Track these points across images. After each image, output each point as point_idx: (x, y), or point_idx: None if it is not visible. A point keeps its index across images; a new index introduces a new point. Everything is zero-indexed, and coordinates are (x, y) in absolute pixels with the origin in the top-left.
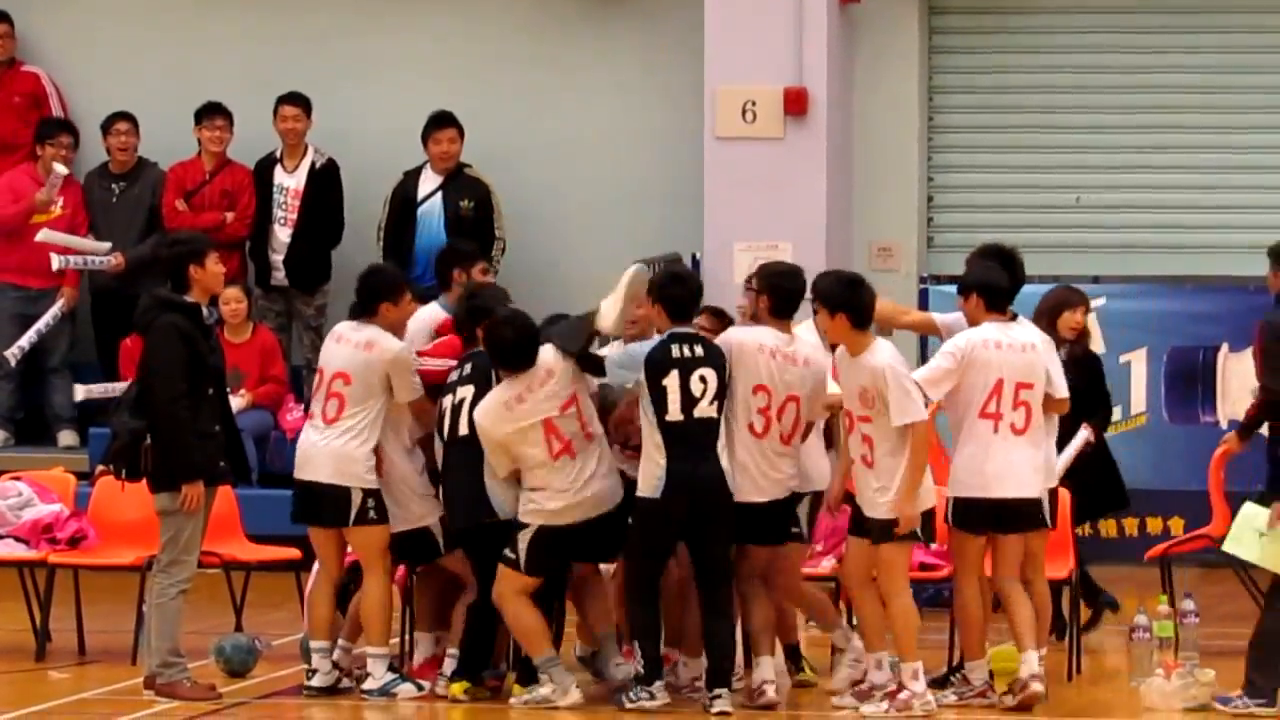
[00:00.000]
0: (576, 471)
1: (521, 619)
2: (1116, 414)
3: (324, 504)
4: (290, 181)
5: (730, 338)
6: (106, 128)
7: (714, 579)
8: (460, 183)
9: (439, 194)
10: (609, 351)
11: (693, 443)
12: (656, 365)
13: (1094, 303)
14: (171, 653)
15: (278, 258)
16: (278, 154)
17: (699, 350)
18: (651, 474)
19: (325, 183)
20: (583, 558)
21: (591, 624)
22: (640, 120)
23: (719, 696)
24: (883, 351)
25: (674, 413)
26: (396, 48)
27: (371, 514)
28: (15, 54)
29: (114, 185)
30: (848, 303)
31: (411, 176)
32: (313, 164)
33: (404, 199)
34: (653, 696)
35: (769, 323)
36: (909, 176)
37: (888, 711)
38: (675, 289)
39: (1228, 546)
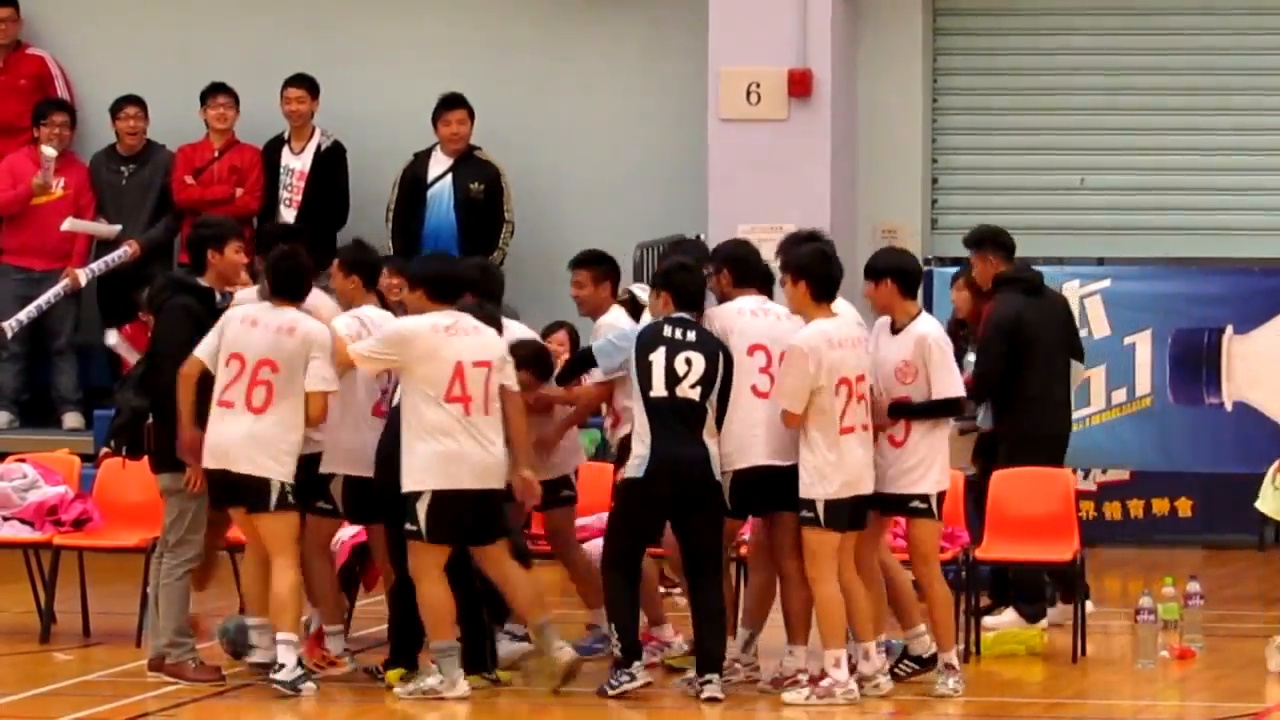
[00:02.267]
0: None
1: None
2: (1121, 395)
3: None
4: (296, 163)
5: (709, 311)
6: (115, 111)
7: (701, 563)
8: (470, 165)
9: (449, 176)
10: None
11: (677, 422)
12: (645, 342)
13: (1099, 285)
14: (178, 633)
15: None
16: (285, 136)
17: (690, 335)
18: (636, 454)
19: (331, 164)
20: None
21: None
22: (645, 102)
23: (709, 682)
24: (929, 323)
25: (657, 388)
26: (402, 30)
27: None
28: (20, 36)
29: (123, 168)
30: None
31: (422, 158)
32: (319, 146)
33: (414, 180)
34: (633, 677)
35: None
36: (913, 158)
37: (808, 699)
38: (682, 277)
39: (1258, 504)
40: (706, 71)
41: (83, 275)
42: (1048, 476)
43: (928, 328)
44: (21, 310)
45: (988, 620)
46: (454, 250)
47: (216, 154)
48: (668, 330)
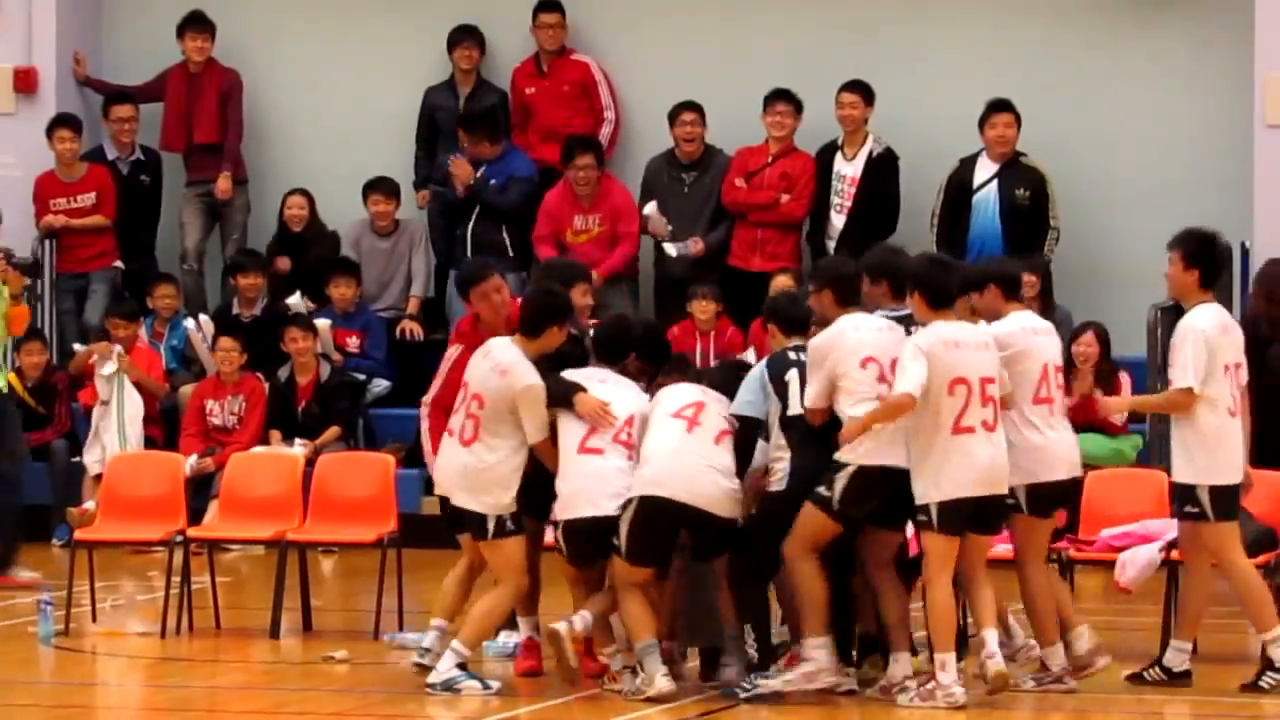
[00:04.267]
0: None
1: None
2: None
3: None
4: (848, 169)
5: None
6: (673, 118)
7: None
8: (1016, 171)
9: (994, 182)
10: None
11: (811, 438)
12: (778, 365)
13: None
14: None
15: (832, 244)
16: (839, 141)
17: (803, 357)
18: (778, 470)
19: (883, 171)
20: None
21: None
22: (1189, 107)
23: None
24: None
25: (793, 407)
26: (951, 34)
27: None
28: (565, 43)
29: (683, 175)
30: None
31: (967, 164)
32: (870, 152)
33: (959, 186)
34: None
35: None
36: None
37: (911, 700)
38: (790, 308)
39: None
40: (1252, 75)
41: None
42: None
43: None
44: None
45: None
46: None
47: (770, 159)
48: (793, 354)
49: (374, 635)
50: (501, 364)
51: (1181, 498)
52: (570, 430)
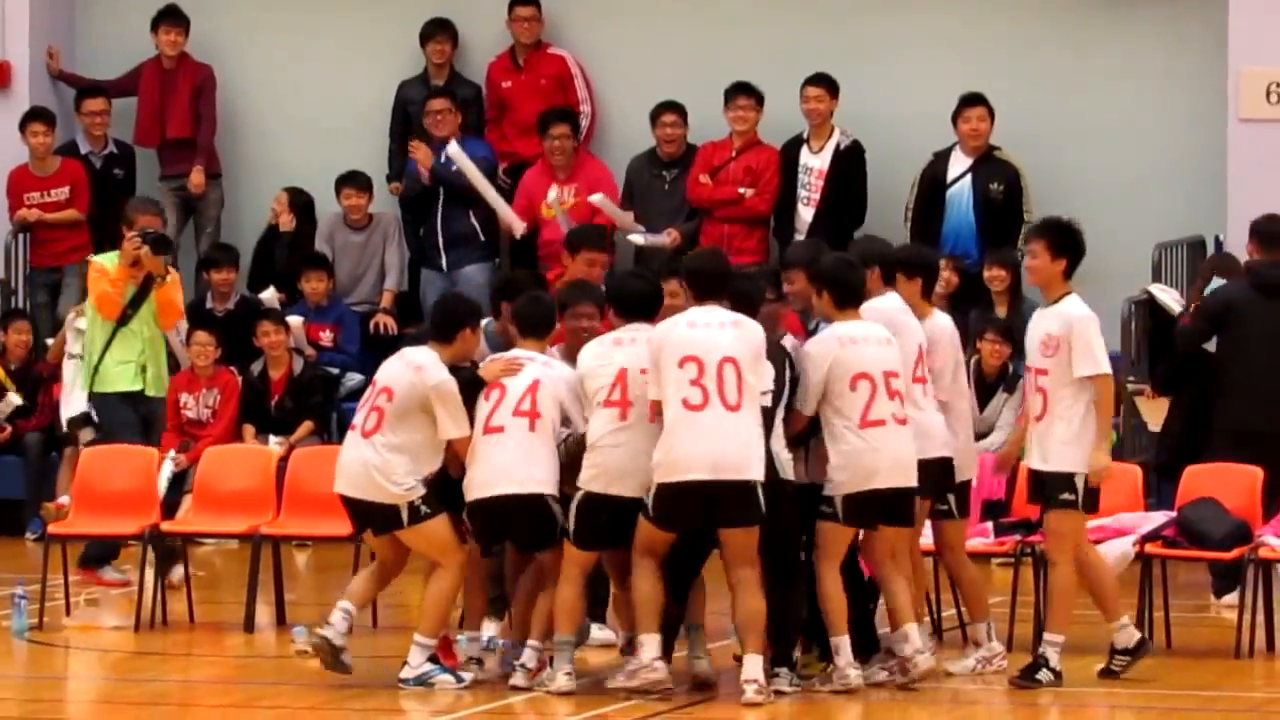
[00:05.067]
0: None
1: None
2: None
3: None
4: (815, 162)
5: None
6: (655, 118)
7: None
8: (990, 165)
9: (968, 176)
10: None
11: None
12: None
13: None
14: None
15: (800, 238)
16: (805, 135)
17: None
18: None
19: (850, 163)
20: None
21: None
22: (1162, 100)
23: (776, 675)
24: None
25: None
26: (922, 28)
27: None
28: (542, 36)
29: (664, 172)
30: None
31: (941, 158)
32: (838, 145)
33: (933, 180)
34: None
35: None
36: None
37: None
38: (744, 285)
39: None
40: (1226, 71)
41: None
42: None
43: None
44: None
45: None
46: (974, 251)
47: (734, 154)
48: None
49: (373, 625)
50: (416, 362)
51: (1058, 486)
52: (478, 415)
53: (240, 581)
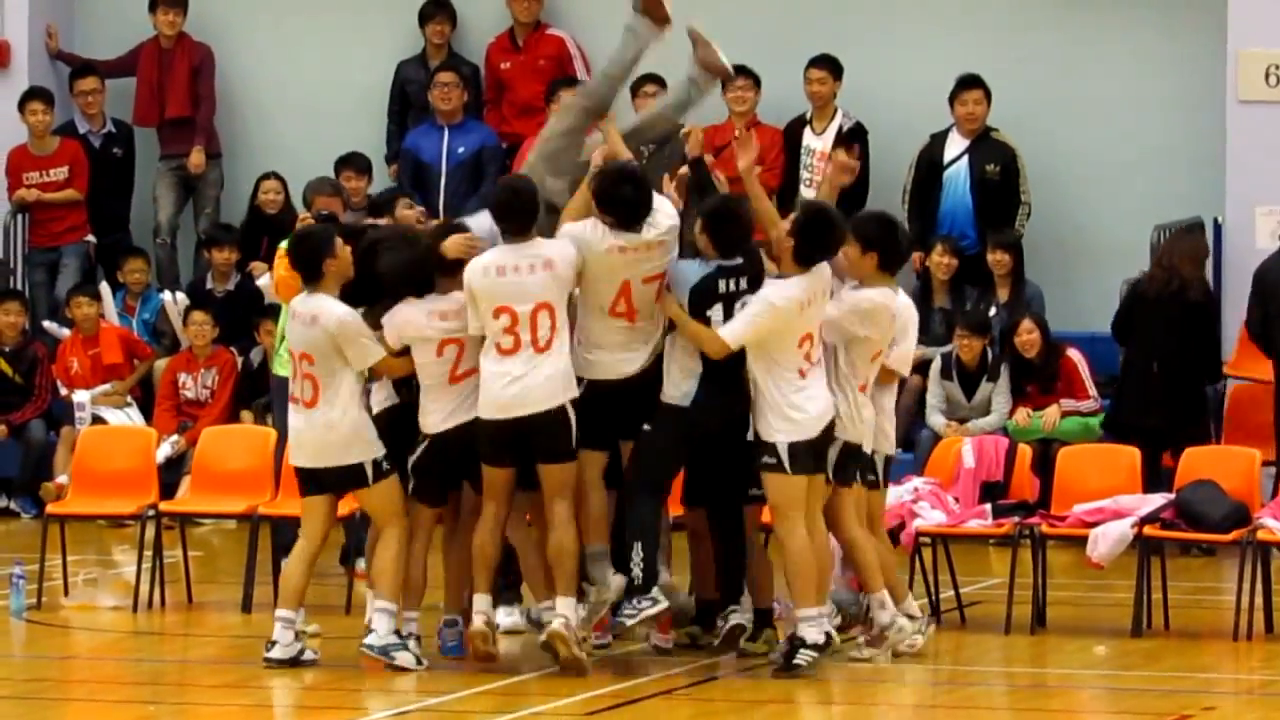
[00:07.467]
0: None
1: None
2: None
3: None
4: (818, 143)
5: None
6: (635, 89)
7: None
8: (987, 146)
9: (965, 157)
10: None
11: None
12: (702, 295)
13: None
14: None
15: None
16: (807, 116)
17: (743, 284)
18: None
19: (852, 144)
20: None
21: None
22: (1161, 82)
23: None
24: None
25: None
26: (922, 9)
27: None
28: (540, 17)
29: (642, 146)
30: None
31: (938, 139)
32: (840, 126)
33: (930, 162)
34: (655, 602)
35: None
36: None
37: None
38: (727, 225)
39: None
40: (1224, 53)
41: None
42: None
43: None
44: None
45: None
46: (970, 233)
47: (737, 134)
48: (722, 285)
49: (345, 610)
50: (308, 315)
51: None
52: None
53: (238, 561)
